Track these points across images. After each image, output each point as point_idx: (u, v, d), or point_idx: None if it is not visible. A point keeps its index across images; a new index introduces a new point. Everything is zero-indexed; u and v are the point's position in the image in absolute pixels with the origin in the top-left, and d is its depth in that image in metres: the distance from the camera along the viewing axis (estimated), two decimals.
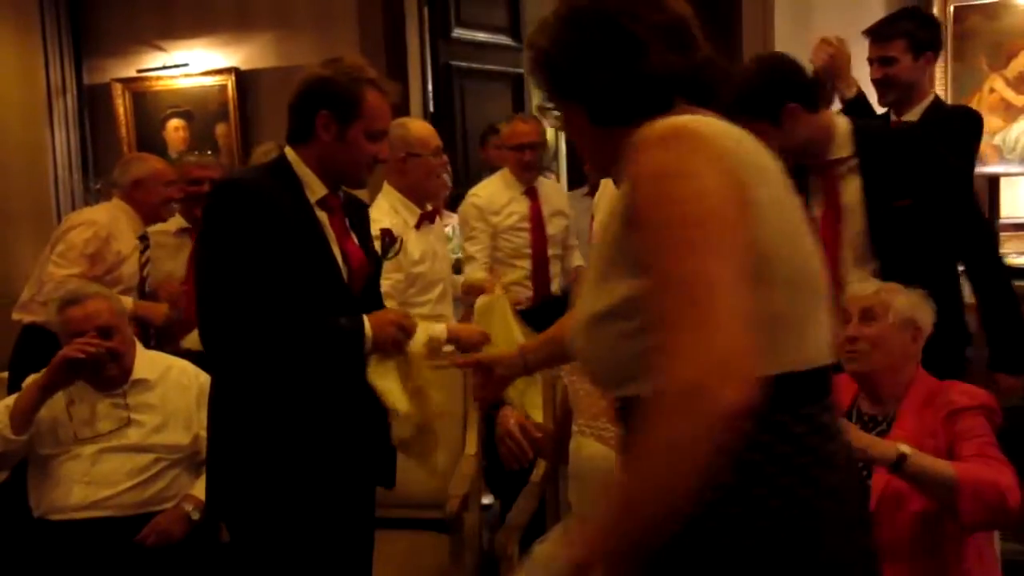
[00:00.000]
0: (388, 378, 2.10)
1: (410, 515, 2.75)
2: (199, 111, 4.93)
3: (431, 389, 2.16)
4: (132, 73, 4.99)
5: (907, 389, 2.06)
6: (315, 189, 2.04)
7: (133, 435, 2.56)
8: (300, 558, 2.04)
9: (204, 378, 2.54)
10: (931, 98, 2.94)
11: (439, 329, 2.92)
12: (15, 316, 3.56)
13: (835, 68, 2.75)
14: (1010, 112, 3.84)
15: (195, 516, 2.51)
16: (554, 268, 3.88)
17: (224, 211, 1.95)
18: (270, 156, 2.61)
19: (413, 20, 4.89)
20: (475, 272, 3.66)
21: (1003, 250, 3.70)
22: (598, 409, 2.23)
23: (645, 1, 1.25)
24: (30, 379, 2.58)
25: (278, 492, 2.01)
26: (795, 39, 3.02)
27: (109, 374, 2.59)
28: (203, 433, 2.30)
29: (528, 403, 2.61)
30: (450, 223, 4.09)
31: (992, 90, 3.85)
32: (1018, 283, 3.38)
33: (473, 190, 3.91)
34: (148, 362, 2.69)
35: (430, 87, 4.96)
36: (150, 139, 4.98)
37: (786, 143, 2.22)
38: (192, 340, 2.86)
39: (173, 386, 2.65)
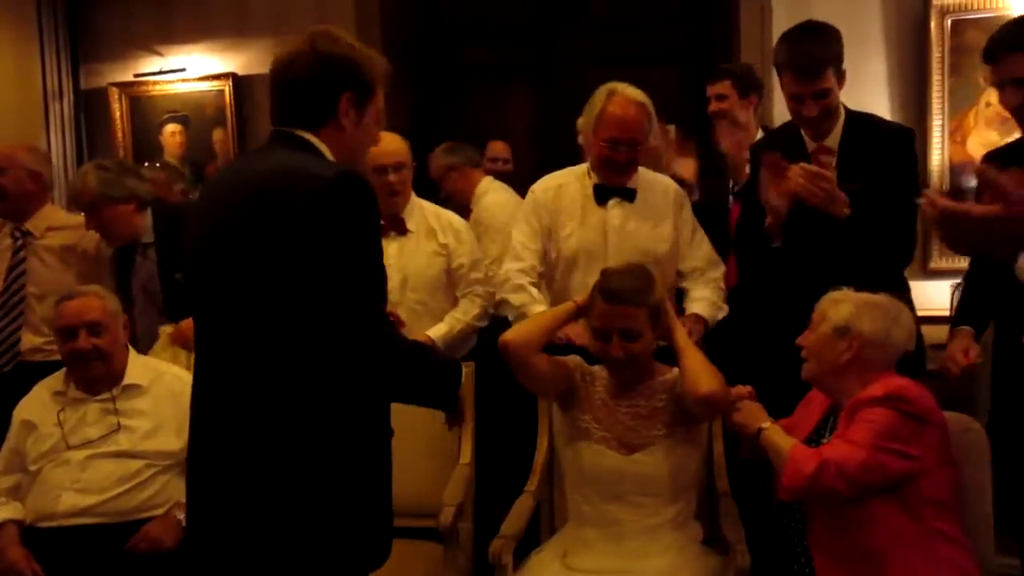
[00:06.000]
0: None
1: (404, 524, 2.73)
2: (196, 116, 4.93)
3: None
4: (129, 78, 4.98)
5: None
6: None
7: (123, 441, 2.54)
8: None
9: None
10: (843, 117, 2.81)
11: None
12: None
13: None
14: (1006, 126, 3.84)
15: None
16: None
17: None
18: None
19: (409, 25, 4.91)
20: None
21: None
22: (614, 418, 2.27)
23: None
24: None
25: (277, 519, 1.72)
26: None
27: (95, 373, 2.57)
28: None
29: None
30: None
31: (988, 104, 3.86)
32: None
33: None
34: (140, 368, 2.68)
35: (426, 90, 4.97)
36: (147, 144, 4.97)
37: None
38: None
39: (165, 392, 2.63)
